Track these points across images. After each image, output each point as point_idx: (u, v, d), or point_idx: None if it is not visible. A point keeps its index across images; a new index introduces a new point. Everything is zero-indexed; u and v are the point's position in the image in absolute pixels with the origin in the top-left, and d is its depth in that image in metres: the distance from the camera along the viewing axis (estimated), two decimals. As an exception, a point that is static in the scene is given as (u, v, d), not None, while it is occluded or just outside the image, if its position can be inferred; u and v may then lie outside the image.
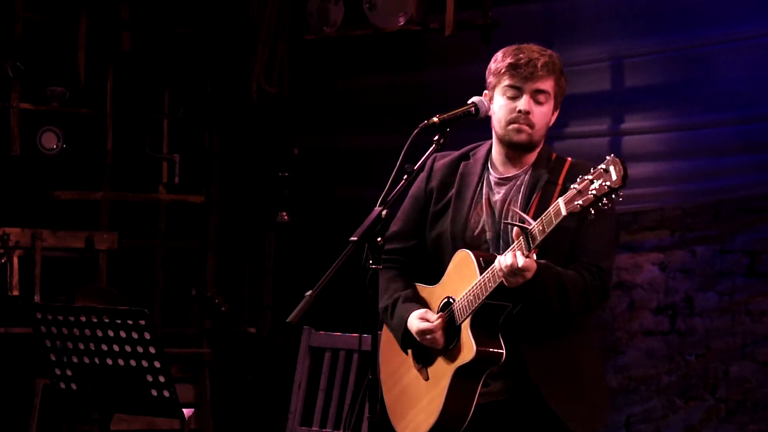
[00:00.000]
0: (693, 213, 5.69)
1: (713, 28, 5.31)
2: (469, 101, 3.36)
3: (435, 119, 3.26)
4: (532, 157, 3.37)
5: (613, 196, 2.97)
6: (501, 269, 3.14)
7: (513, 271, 3.10)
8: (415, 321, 3.36)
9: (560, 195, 3.16)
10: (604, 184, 2.97)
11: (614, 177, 2.96)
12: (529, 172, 3.33)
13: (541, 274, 3.15)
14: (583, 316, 3.34)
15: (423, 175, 3.47)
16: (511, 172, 3.37)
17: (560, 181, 3.28)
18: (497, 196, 3.35)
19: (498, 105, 3.35)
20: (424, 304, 3.42)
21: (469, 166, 3.43)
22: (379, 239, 3.10)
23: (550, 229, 3.06)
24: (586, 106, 5.50)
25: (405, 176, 3.18)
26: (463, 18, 5.81)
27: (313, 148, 6.69)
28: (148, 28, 6.66)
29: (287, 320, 3.05)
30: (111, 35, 6.57)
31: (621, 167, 2.96)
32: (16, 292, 6.23)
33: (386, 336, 3.50)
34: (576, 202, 3.00)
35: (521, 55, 3.34)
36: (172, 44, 6.71)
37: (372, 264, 3.11)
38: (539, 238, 3.08)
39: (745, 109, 5.28)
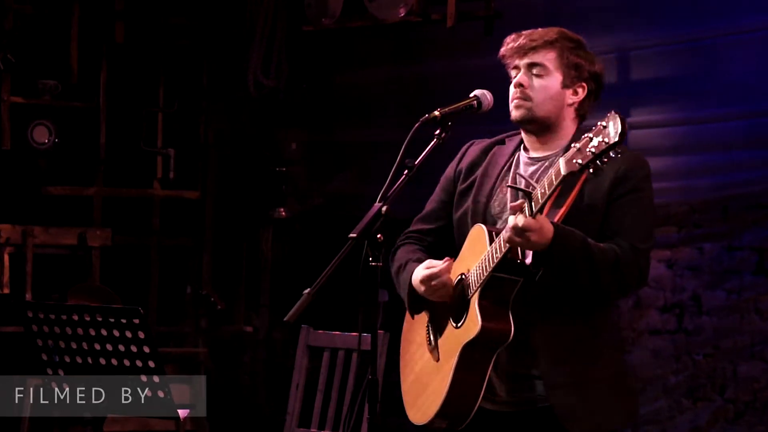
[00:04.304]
0: (700, 209, 5.68)
1: (721, 19, 5.31)
2: (471, 94, 3.30)
3: (436, 113, 3.21)
4: (562, 138, 3.29)
5: (611, 153, 2.89)
6: (504, 232, 3.07)
7: (516, 231, 3.02)
8: (420, 270, 3.30)
9: (589, 176, 3.11)
10: (602, 141, 2.89)
11: (612, 133, 2.87)
12: (561, 154, 3.23)
13: (565, 239, 3.06)
14: (602, 312, 3.25)
15: (456, 158, 3.44)
16: (542, 152, 3.31)
17: None
18: (524, 175, 3.27)
19: None
20: None
21: (501, 148, 3.39)
22: (379, 236, 3.04)
23: (551, 190, 2.99)
24: (590, 99, 5.45)
25: (405, 171, 3.13)
26: (465, 9, 5.83)
27: (312, 143, 6.67)
28: (143, 20, 6.66)
29: (285, 319, 3.02)
30: (104, 27, 6.57)
31: (619, 123, 2.86)
32: (6, 290, 6.25)
33: (407, 324, 3.47)
34: (575, 161, 2.92)
35: (513, 34, 3.33)
36: (167, 36, 6.72)
37: (372, 261, 3.05)
38: (541, 201, 3.01)
39: (754, 102, 5.26)
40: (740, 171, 5.41)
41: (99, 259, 6.44)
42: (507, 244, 3.07)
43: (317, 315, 3.84)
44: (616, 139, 2.85)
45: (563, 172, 2.94)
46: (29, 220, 6.37)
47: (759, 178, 5.36)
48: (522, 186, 3.08)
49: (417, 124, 3.17)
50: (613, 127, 2.86)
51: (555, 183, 2.97)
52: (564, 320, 3.20)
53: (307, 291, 2.99)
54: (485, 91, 3.30)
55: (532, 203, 3.02)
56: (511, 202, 3.19)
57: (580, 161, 2.91)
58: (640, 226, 3.19)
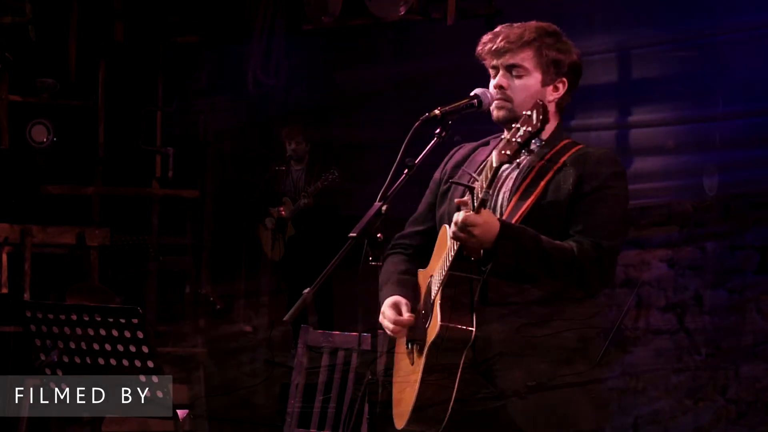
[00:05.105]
0: (702, 208, 5.68)
1: (723, 18, 5.31)
2: (472, 93, 3.28)
3: (436, 111, 3.19)
4: (542, 134, 3.25)
5: (534, 141, 2.95)
6: (450, 229, 3.08)
7: (458, 226, 3.03)
8: (386, 306, 3.29)
9: (556, 173, 3.13)
10: (527, 129, 2.93)
11: (534, 121, 2.92)
12: (534, 153, 3.26)
13: (512, 235, 3.06)
14: (565, 313, 3.21)
15: (444, 160, 3.43)
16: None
17: (561, 161, 3.20)
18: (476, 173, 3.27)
19: None
20: (417, 289, 3.34)
21: (484, 149, 3.38)
22: (378, 235, 3.03)
23: (488, 183, 3.00)
24: (592, 98, 5.47)
25: (406, 170, 3.11)
26: (465, 7, 5.82)
27: (311, 141, 6.65)
28: (141, 19, 6.63)
29: (284, 319, 3.00)
30: (103, 26, 6.59)
31: (541, 109, 2.92)
32: (5, 290, 6.23)
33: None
34: (504, 152, 2.95)
35: (489, 33, 3.30)
36: (166, 35, 6.71)
37: (372, 260, 3.04)
38: (481, 196, 3.02)
39: (755, 101, 5.25)
40: (742, 170, 5.40)
41: (97, 258, 6.43)
42: (455, 241, 3.06)
43: (317, 314, 3.83)
44: (538, 126, 2.91)
45: (495, 164, 2.96)
46: (27, 219, 6.36)
47: (761, 177, 5.35)
48: (465, 181, 3.09)
49: (417, 123, 3.15)
50: (535, 115, 2.91)
51: (489, 176, 2.99)
52: (524, 319, 3.17)
53: (306, 291, 2.97)
54: (486, 90, 3.27)
55: (473, 197, 3.02)
56: (498, 209, 3.20)
57: (508, 152, 2.94)
58: (605, 224, 3.16)
